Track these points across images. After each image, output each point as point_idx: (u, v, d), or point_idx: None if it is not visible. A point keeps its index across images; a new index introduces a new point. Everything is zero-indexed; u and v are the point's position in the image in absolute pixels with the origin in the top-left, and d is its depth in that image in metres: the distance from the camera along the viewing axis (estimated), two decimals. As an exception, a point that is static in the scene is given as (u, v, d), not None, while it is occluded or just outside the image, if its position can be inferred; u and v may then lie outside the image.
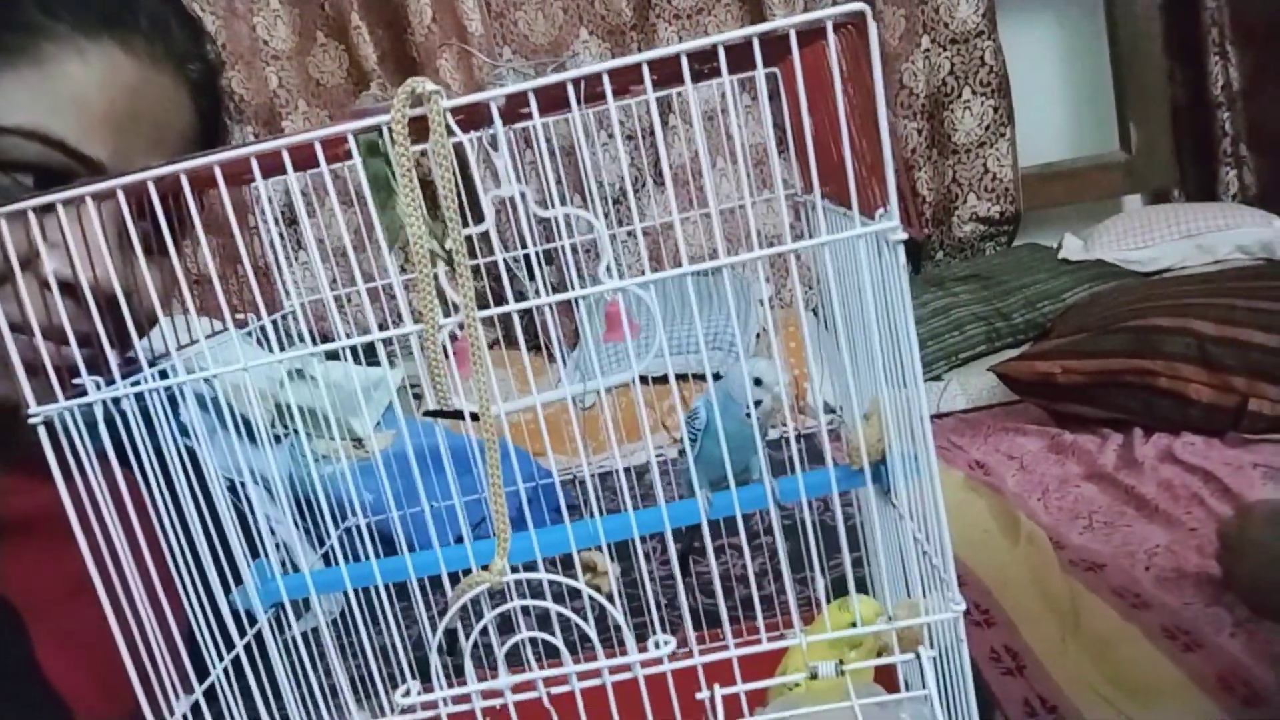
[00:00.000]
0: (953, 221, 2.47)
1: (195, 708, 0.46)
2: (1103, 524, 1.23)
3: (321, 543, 0.65)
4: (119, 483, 0.44)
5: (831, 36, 0.38)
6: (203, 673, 0.47)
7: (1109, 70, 2.51)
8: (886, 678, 0.48)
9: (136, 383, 0.45)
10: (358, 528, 0.69)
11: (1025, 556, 1.14)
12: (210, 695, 0.47)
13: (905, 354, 0.43)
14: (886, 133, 0.40)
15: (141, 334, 0.54)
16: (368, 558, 0.52)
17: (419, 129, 0.36)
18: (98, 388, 0.42)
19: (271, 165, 0.38)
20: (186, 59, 0.59)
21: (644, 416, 0.43)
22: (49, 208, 0.38)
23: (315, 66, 2.41)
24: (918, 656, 0.43)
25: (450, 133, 0.37)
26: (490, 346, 0.44)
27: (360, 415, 1.22)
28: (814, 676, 0.42)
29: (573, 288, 0.41)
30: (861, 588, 0.75)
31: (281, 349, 0.57)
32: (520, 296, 0.43)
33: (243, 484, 0.52)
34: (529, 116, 0.39)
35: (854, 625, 0.44)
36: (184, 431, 0.51)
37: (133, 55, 0.55)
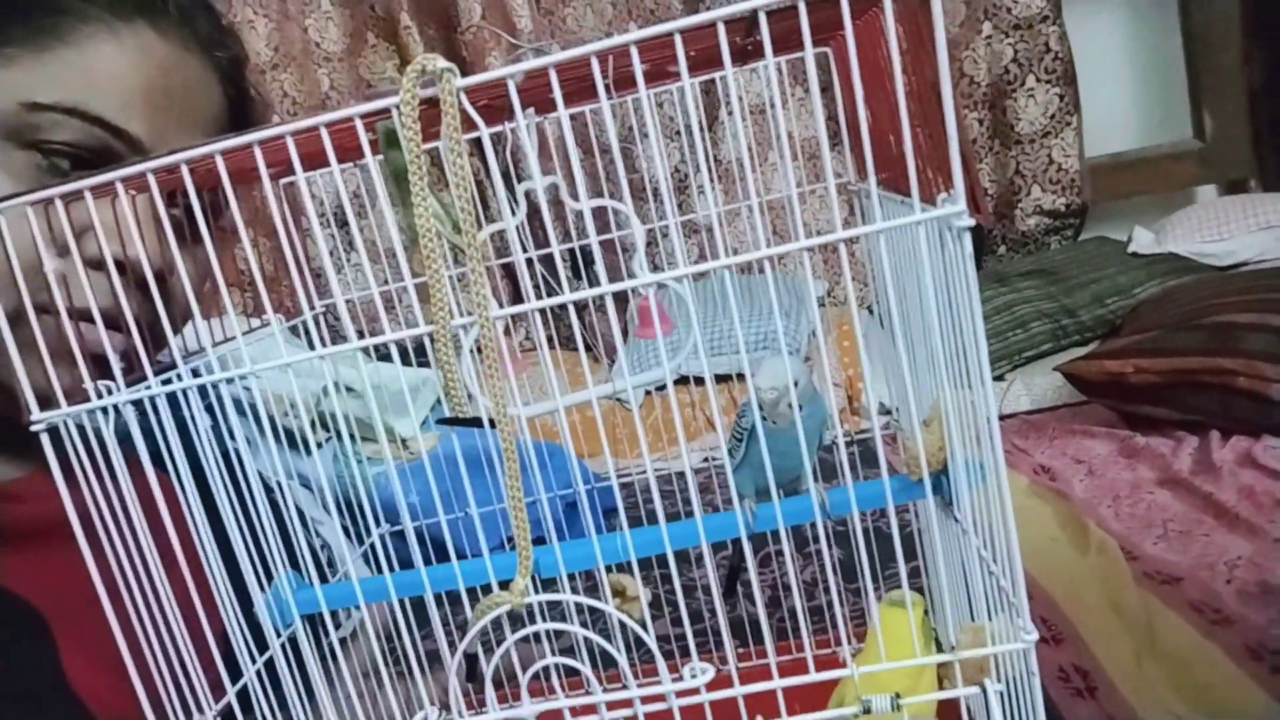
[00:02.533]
0: (1016, 215, 2.39)
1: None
2: (1178, 533, 1.16)
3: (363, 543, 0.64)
4: (147, 485, 0.43)
5: (888, 2, 0.34)
6: (221, 690, 0.45)
7: (1181, 53, 2.40)
8: (951, 710, 0.44)
9: (157, 386, 0.42)
10: (398, 532, 0.66)
11: (1095, 567, 1.07)
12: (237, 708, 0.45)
13: (971, 354, 0.39)
14: (951, 110, 0.35)
15: (177, 329, 0.53)
16: (407, 565, 0.50)
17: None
18: (100, 395, 0.39)
19: (310, 155, 0.36)
20: (214, 46, 0.59)
21: (678, 418, 0.39)
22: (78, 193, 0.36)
23: (366, 68, 2.42)
24: (983, 690, 0.39)
25: (467, 120, 0.34)
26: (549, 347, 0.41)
27: (406, 416, 1.21)
28: (867, 711, 0.38)
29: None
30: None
31: (323, 342, 0.55)
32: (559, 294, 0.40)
33: (279, 485, 0.50)
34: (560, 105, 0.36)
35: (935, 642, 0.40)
36: (219, 435, 0.50)
37: (164, 37, 0.56)
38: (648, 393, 1.90)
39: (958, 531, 0.50)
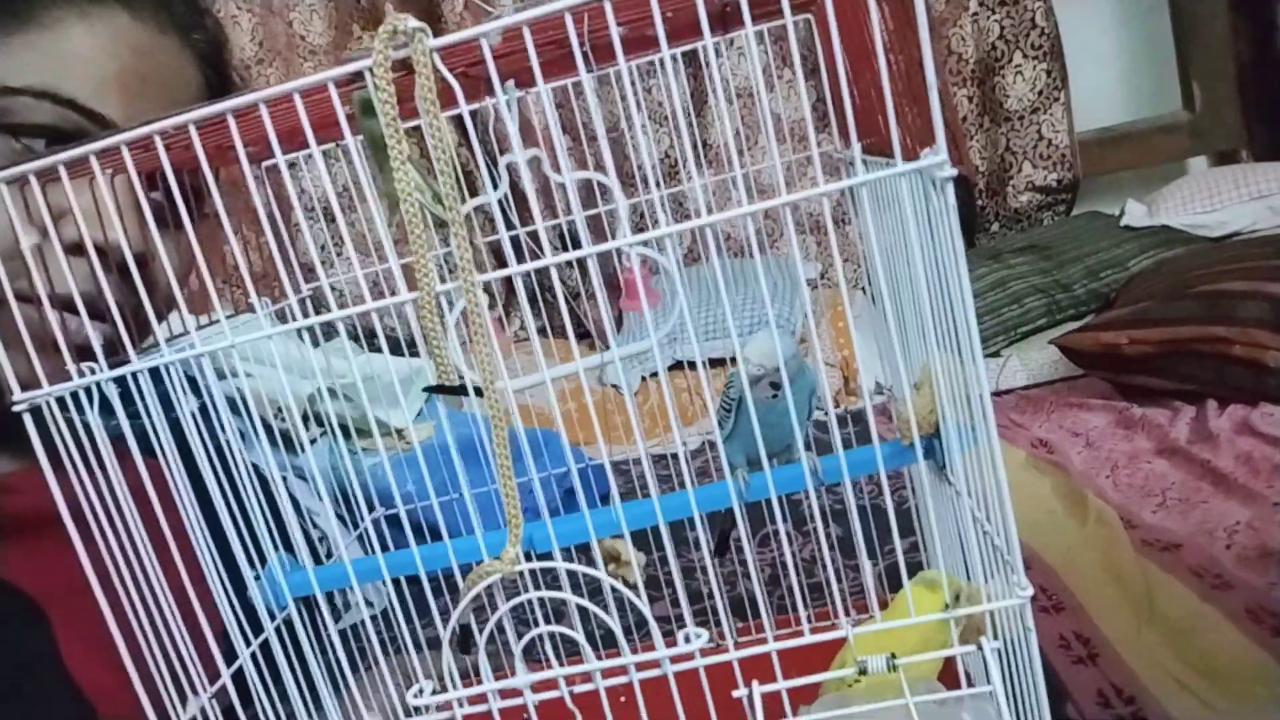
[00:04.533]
0: (1008, 191, 2.38)
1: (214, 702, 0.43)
2: (1177, 501, 1.16)
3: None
4: (135, 471, 0.42)
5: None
6: (215, 673, 0.45)
7: (1169, 26, 2.39)
8: (948, 672, 0.44)
9: (139, 363, 0.42)
10: (389, 517, 0.66)
11: (1094, 537, 1.07)
12: (226, 695, 0.44)
13: (959, 313, 0.38)
14: (930, 63, 0.35)
15: (161, 317, 0.52)
16: (397, 547, 0.49)
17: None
18: (82, 375, 0.39)
19: (288, 132, 0.36)
20: (190, 28, 0.58)
21: (670, 399, 0.39)
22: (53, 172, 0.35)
23: (352, 60, 2.41)
24: (980, 648, 0.39)
25: (447, 89, 0.33)
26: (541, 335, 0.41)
27: (398, 407, 1.20)
28: (863, 672, 0.38)
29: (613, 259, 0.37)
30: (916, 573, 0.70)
31: (314, 335, 0.55)
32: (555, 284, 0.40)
33: (275, 478, 0.50)
34: (543, 79, 0.35)
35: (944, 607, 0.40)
36: (207, 418, 0.49)
37: (138, 19, 0.55)
38: (643, 379, 1.90)
39: (951, 495, 0.50)
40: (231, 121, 0.34)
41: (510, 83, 0.50)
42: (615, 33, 0.34)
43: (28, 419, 0.38)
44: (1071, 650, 0.86)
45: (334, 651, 0.48)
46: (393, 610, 0.43)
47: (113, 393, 0.40)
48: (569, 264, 2.17)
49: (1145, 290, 1.66)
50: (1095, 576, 0.98)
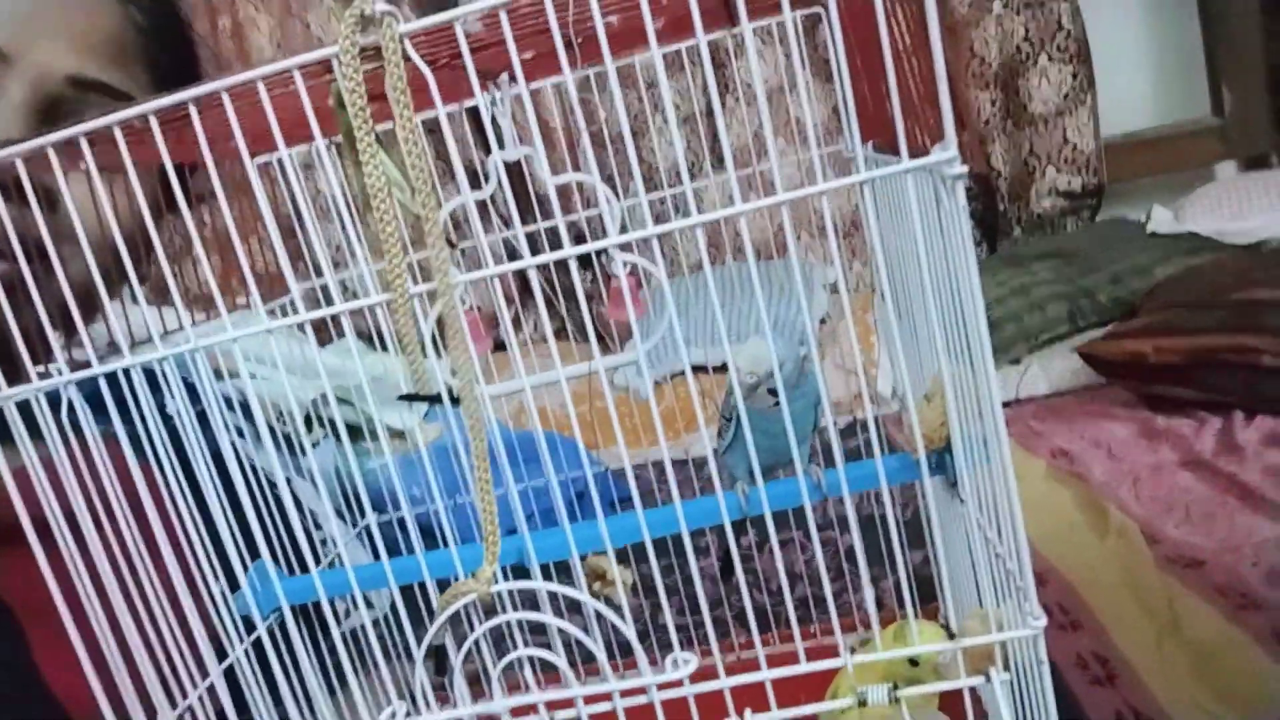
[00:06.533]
0: (1031, 196, 2.34)
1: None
2: (1202, 516, 1.12)
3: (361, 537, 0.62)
4: (123, 469, 0.41)
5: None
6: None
7: (1198, 28, 2.34)
8: (953, 703, 0.41)
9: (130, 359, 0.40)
10: (391, 522, 0.64)
11: (1115, 551, 1.04)
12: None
13: (969, 319, 0.36)
14: (940, 56, 0.33)
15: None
16: (400, 551, 0.48)
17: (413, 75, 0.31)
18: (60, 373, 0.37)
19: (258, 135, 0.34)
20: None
21: (656, 412, 0.37)
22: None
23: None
24: (988, 678, 0.36)
25: (420, 79, 0.31)
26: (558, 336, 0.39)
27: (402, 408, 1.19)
28: (863, 704, 0.36)
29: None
30: (929, 591, 0.67)
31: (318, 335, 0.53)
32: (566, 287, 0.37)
33: (280, 481, 0.48)
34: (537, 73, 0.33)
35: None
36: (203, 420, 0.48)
37: None
38: (658, 383, 1.88)
39: (963, 513, 0.47)
40: (194, 113, 0.32)
41: (504, 76, 0.48)
42: (600, 23, 0.32)
43: (10, 409, 0.36)
44: (1089, 670, 0.83)
45: (318, 661, 0.46)
46: (363, 630, 0.41)
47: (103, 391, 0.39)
48: (583, 266, 2.16)
49: (1171, 298, 1.62)
50: (1115, 593, 0.95)
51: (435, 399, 0.34)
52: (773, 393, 0.45)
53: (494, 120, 0.45)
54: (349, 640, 0.46)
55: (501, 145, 0.43)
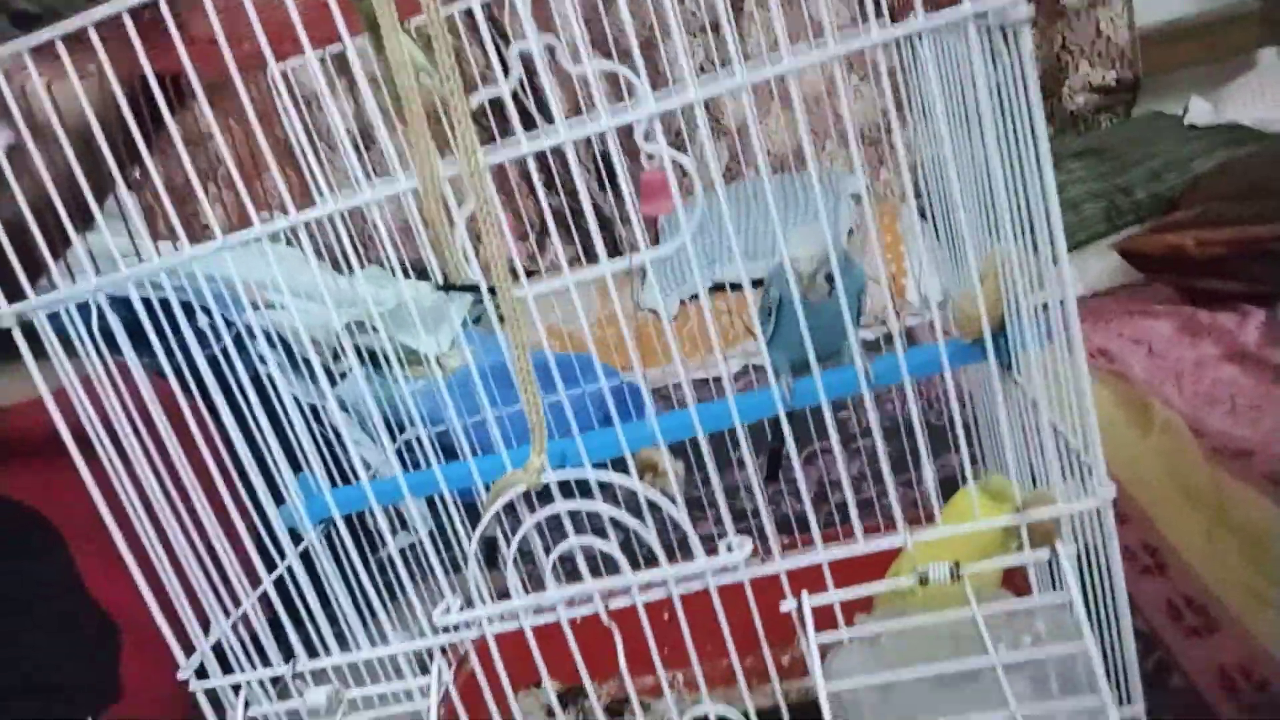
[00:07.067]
0: (1063, 93, 2.26)
1: (235, 629, 0.42)
2: (1248, 407, 1.10)
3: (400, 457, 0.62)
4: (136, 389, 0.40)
5: None
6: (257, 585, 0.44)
7: (1239, -96, 2.22)
8: (1010, 578, 0.40)
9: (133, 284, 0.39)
10: (419, 440, 0.64)
11: (1160, 446, 1.02)
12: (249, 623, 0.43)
13: (1034, 191, 0.34)
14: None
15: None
16: (425, 467, 0.47)
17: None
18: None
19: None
20: None
21: (710, 318, 0.35)
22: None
23: None
24: (1054, 553, 0.35)
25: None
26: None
27: (432, 333, 1.18)
28: (924, 582, 0.35)
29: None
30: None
31: (319, 257, 0.52)
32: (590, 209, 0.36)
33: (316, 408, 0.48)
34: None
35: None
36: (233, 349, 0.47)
37: None
38: (681, 302, 1.86)
39: (1017, 395, 0.46)
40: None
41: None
42: None
43: (17, 332, 0.36)
44: (1138, 561, 0.82)
45: (373, 570, 0.46)
46: (417, 535, 0.41)
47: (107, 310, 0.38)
48: (601, 187, 2.12)
49: (1212, 190, 1.57)
50: (1162, 486, 0.94)
51: (473, 288, 0.33)
52: (829, 279, 0.43)
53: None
54: (390, 559, 0.46)
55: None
